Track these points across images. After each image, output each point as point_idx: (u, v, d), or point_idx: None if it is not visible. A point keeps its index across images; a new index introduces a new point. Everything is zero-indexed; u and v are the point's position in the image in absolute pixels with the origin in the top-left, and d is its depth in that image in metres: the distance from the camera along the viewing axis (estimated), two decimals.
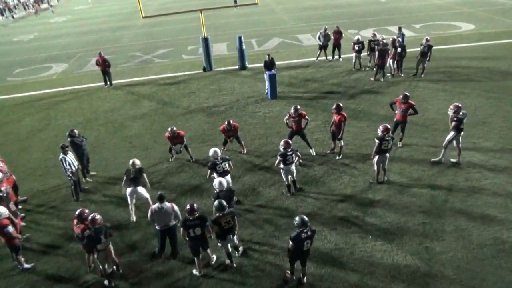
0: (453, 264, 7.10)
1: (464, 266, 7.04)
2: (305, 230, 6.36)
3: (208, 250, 7.45)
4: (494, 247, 7.38)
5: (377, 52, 15.17)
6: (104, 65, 17.06)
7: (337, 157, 10.57)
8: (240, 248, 7.75)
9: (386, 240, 7.76)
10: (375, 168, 9.29)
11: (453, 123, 9.52)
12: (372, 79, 15.70)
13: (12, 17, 43.10)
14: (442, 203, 8.62)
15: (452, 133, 9.66)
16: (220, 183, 7.74)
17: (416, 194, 8.97)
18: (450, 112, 9.61)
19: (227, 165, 8.69)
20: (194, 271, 7.40)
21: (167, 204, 7.39)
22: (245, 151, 11.22)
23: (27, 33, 32.72)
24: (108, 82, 17.64)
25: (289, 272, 7.05)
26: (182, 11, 19.47)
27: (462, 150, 9.96)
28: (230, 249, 7.37)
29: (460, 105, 9.58)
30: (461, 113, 9.51)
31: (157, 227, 7.54)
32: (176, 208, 7.48)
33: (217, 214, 7.00)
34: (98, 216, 6.94)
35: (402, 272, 7.03)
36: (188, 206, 6.93)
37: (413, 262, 7.21)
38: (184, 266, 7.56)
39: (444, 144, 9.88)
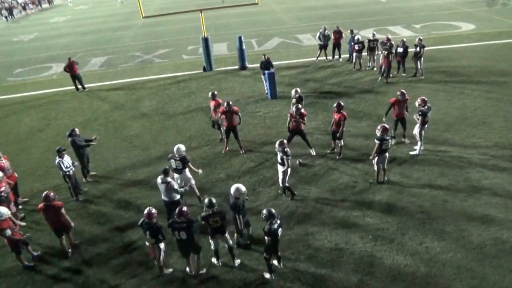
0: (453, 264, 7.10)
1: (464, 266, 7.04)
2: (274, 221, 6.53)
3: (200, 257, 7.34)
4: (494, 247, 7.38)
5: (383, 53, 15.08)
6: (73, 70, 16.82)
7: (337, 157, 10.57)
8: (237, 261, 7.52)
9: (386, 240, 7.77)
10: (375, 168, 9.30)
11: (420, 117, 9.90)
12: (385, 81, 15.44)
13: (13, 16, 43.08)
14: (442, 203, 8.62)
15: (418, 126, 10.08)
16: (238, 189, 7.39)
17: (416, 194, 8.98)
18: (417, 104, 10.08)
19: (180, 165, 8.86)
20: (188, 269, 7.41)
21: (168, 180, 7.96)
22: (242, 151, 11.21)
23: (27, 33, 32.72)
24: (80, 87, 17.36)
25: (267, 274, 7.03)
26: (182, 11, 19.46)
27: (463, 149, 9.97)
28: (218, 248, 7.38)
29: (426, 99, 10.02)
30: (425, 107, 9.92)
31: (164, 198, 8.18)
32: (174, 186, 7.99)
33: (206, 212, 7.00)
34: (154, 211, 7.03)
35: (402, 272, 7.04)
36: (177, 210, 6.92)
37: (413, 262, 7.21)
38: (185, 265, 7.56)
39: (417, 137, 10.23)
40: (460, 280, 6.78)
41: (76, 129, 10.30)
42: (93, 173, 10.84)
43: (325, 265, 7.30)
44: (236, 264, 7.45)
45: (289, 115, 10.57)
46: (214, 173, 10.33)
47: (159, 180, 8.09)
